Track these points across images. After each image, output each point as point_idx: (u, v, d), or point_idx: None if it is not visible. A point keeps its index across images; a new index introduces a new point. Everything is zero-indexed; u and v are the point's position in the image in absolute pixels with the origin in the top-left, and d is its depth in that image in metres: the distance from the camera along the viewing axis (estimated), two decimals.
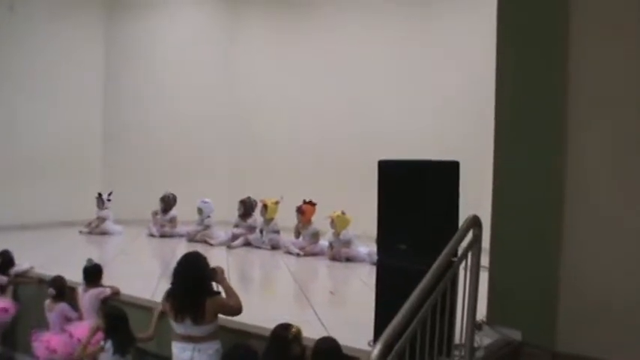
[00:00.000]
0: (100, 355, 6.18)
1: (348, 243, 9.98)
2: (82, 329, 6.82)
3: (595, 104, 5.22)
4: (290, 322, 5.27)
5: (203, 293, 5.34)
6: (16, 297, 8.16)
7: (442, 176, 4.81)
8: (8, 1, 12.41)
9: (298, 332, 5.07)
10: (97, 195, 12.55)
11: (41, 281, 7.89)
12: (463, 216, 4.74)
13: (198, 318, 5.25)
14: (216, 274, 5.51)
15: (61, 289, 7.29)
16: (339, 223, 10.06)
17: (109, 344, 6.08)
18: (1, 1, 12.38)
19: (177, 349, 5.41)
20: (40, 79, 13.03)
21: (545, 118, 5.44)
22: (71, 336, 6.79)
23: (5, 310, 7.70)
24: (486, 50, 8.58)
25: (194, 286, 5.33)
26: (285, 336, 5.04)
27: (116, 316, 6.24)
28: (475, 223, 4.54)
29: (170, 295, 5.42)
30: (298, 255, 10.26)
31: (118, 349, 6.04)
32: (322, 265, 9.85)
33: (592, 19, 5.26)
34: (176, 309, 5.32)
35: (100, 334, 6.33)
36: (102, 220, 12.41)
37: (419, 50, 12.28)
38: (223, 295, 5.52)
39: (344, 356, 4.85)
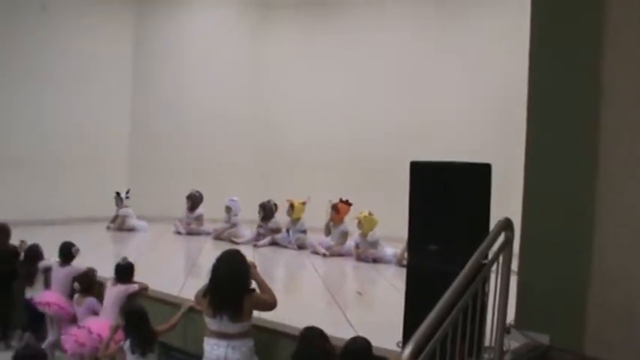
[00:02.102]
0: (121, 354, 6.20)
1: (374, 244, 9.95)
2: (99, 324, 6.88)
3: (628, 105, 5.17)
4: (318, 322, 5.29)
5: (242, 290, 5.37)
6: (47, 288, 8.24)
7: (474, 178, 4.80)
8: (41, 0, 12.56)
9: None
10: (115, 193, 12.66)
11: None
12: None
13: (236, 315, 5.28)
14: (249, 269, 5.53)
15: (87, 284, 7.36)
16: (366, 223, 10.04)
17: (128, 343, 6.08)
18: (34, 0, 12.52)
19: (209, 345, 5.41)
20: (68, 75, 13.15)
21: (577, 118, 5.40)
22: (90, 332, 6.81)
23: (49, 304, 7.72)
24: (514, 50, 8.59)
25: (234, 283, 5.34)
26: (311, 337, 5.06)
27: (136, 315, 6.21)
28: (507, 225, 4.52)
29: (208, 292, 5.41)
30: (325, 255, 10.26)
31: (138, 348, 6.03)
32: (349, 265, 9.85)
33: (627, 21, 5.22)
34: (215, 305, 5.32)
35: (120, 333, 6.34)
36: (123, 217, 12.51)
37: (447, 51, 12.26)
38: (257, 290, 5.54)
39: (374, 356, 4.84)
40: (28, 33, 12.51)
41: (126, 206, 12.59)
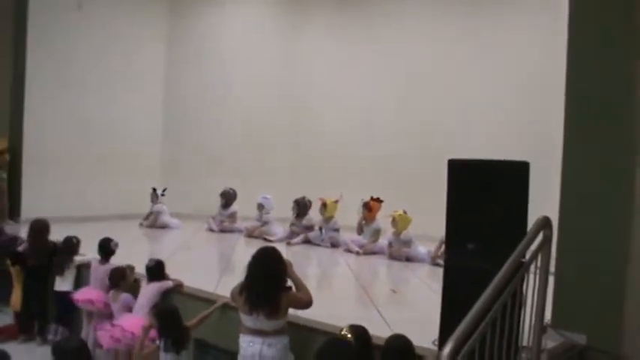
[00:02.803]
0: (158, 353, 6.24)
1: (408, 243, 9.96)
2: (131, 322, 6.94)
3: None
4: (352, 319, 5.31)
5: (279, 288, 5.39)
6: (78, 283, 8.37)
7: (512, 176, 4.77)
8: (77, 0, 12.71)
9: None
10: (151, 190, 12.77)
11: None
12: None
13: (272, 312, 5.29)
14: (286, 267, 5.55)
15: (117, 279, 7.45)
16: (400, 222, 10.04)
17: (163, 342, 6.12)
18: (71, 1, 12.71)
19: (245, 342, 5.43)
20: (102, 75, 13.39)
21: (616, 119, 5.35)
22: (123, 329, 6.87)
23: (91, 301, 7.81)
24: (549, 48, 8.54)
25: (271, 280, 5.36)
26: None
27: (167, 314, 6.27)
28: (546, 224, 4.49)
29: (245, 289, 5.42)
30: (358, 253, 10.28)
31: (172, 347, 6.08)
32: (382, 263, 9.86)
33: None
34: (251, 303, 5.33)
35: (153, 332, 6.39)
36: (157, 213, 12.62)
37: (480, 49, 12.22)
38: (293, 288, 5.56)
39: (415, 354, 4.84)
40: (62, 33, 12.74)
41: (160, 202, 12.67)
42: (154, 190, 12.78)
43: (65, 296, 8.13)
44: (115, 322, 7.13)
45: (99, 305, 7.68)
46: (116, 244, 8.00)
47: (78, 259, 8.43)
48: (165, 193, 12.76)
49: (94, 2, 13.12)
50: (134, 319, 6.95)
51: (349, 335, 5.06)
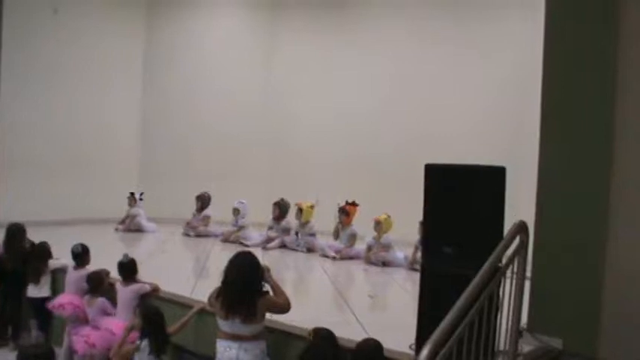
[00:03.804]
0: (135, 354, 6.18)
1: (387, 247, 9.97)
2: (118, 325, 6.88)
3: None
4: (330, 324, 5.32)
5: (256, 292, 5.38)
6: (55, 289, 8.28)
7: (489, 181, 4.80)
8: (53, 3, 12.64)
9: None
10: (129, 194, 12.70)
11: None
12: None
13: (249, 317, 5.27)
14: (263, 272, 5.54)
15: (96, 283, 7.37)
16: (386, 225, 10.09)
17: (144, 343, 6.06)
18: (46, 3, 12.60)
19: (222, 347, 5.41)
20: (79, 77, 13.20)
21: (591, 124, 5.40)
22: (113, 333, 6.82)
23: (62, 306, 7.72)
24: (526, 51, 8.59)
25: (247, 285, 5.35)
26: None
27: (153, 316, 6.22)
28: (522, 229, 4.53)
29: (221, 293, 5.41)
30: (334, 258, 10.25)
31: (154, 349, 6.04)
32: (359, 268, 9.83)
33: None
34: (227, 307, 5.32)
35: (135, 333, 6.34)
36: (133, 217, 12.54)
37: (459, 52, 12.21)
38: (270, 292, 5.55)
39: (386, 358, 4.85)
40: (39, 35, 12.57)
41: (138, 206, 12.62)
42: (132, 194, 12.69)
43: (42, 302, 8.05)
44: (100, 325, 7.10)
45: (70, 310, 7.59)
46: (86, 249, 7.93)
47: (52, 263, 8.35)
48: (142, 197, 12.69)
49: (70, 4, 12.99)
50: (119, 323, 6.90)
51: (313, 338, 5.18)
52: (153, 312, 6.29)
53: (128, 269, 7.21)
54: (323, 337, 5.18)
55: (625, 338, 5.14)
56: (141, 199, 12.67)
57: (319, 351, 4.97)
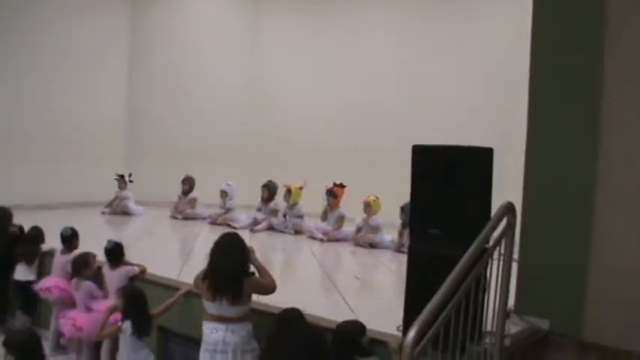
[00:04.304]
0: (120, 336, 6.20)
1: (376, 228, 9.99)
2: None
3: (630, 92, 5.16)
4: (317, 306, 5.32)
5: (242, 273, 5.37)
6: (41, 272, 8.24)
7: (476, 162, 4.78)
8: None
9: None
10: (118, 176, 12.66)
11: None
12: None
13: (236, 298, 5.27)
14: (249, 253, 5.53)
15: (80, 267, 7.32)
16: (375, 207, 10.11)
17: (126, 325, 6.06)
18: None
19: (208, 329, 5.40)
20: (64, 60, 13.09)
21: (578, 106, 5.39)
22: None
23: (49, 289, 7.68)
24: (514, 35, 8.57)
25: (234, 266, 5.34)
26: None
27: (135, 297, 6.21)
28: (509, 210, 4.51)
29: (208, 275, 5.40)
30: (322, 240, 10.27)
31: (137, 330, 6.03)
32: (346, 250, 9.86)
33: (628, 11, 5.20)
34: (214, 289, 5.31)
35: (117, 315, 6.31)
36: (122, 199, 12.53)
37: (445, 38, 12.25)
38: (256, 274, 5.55)
39: (363, 337, 4.88)
40: (24, 20, 12.44)
41: (127, 189, 12.59)
42: (122, 176, 12.64)
43: (28, 285, 8.01)
44: (85, 309, 7.10)
45: (57, 293, 7.56)
46: (69, 231, 7.88)
47: (44, 247, 8.32)
48: (132, 178, 12.63)
49: None
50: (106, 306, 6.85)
51: None
52: (134, 294, 6.27)
53: (115, 253, 7.16)
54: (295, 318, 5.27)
55: (610, 319, 5.15)
56: (130, 181, 12.62)
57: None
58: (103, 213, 12.40)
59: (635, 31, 5.16)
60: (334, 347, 4.85)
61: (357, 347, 4.85)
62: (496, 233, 4.49)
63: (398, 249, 9.35)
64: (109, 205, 12.57)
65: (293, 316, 5.30)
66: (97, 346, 7.01)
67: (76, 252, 7.66)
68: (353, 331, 4.92)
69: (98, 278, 7.32)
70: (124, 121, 14.42)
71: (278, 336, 5.16)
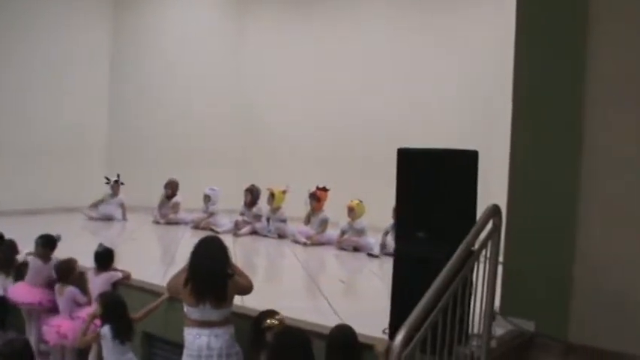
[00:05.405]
0: (102, 342, 6.13)
1: (361, 232, 9.98)
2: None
3: (613, 94, 5.19)
4: (302, 310, 5.31)
5: (225, 275, 5.33)
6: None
7: (461, 165, 4.80)
8: None
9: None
10: (106, 179, 12.55)
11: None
12: None
13: (220, 301, 5.25)
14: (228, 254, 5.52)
15: (64, 273, 7.22)
16: (359, 210, 10.09)
17: (105, 329, 5.99)
18: None
19: (191, 335, 5.35)
20: (46, 64, 13.02)
21: (562, 107, 5.42)
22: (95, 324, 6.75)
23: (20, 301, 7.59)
24: (498, 36, 8.58)
25: (216, 268, 5.31)
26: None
27: (113, 303, 6.15)
28: (495, 212, 4.52)
29: (190, 280, 5.34)
30: (305, 244, 10.25)
31: (117, 335, 5.97)
32: (330, 254, 9.84)
33: (611, 9, 5.23)
34: (198, 293, 5.26)
35: (98, 321, 6.24)
36: (120, 203, 12.51)
37: (429, 38, 12.26)
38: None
39: (360, 343, 4.85)
40: (5, 23, 12.36)
41: (121, 194, 12.54)
42: (116, 180, 12.53)
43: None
44: (68, 316, 7.03)
45: (28, 302, 7.49)
46: (59, 237, 7.80)
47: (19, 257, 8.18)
48: (121, 180, 12.53)
49: None
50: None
51: (275, 321, 5.31)
52: (112, 299, 6.23)
53: (104, 258, 7.11)
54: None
55: (596, 320, 5.17)
56: (122, 183, 12.52)
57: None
58: (91, 218, 12.27)
59: (618, 35, 5.20)
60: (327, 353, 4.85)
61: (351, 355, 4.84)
62: (482, 236, 4.49)
63: (381, 251, 9.35)
64: (94, 205, 12.44)
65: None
66: (80, 352, 6.96)
67: (56, 255, 7.58)
68: (348, 336, 4.89)
69: (81, 284, 7.24)
70: (106, 126, 14.31)
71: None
